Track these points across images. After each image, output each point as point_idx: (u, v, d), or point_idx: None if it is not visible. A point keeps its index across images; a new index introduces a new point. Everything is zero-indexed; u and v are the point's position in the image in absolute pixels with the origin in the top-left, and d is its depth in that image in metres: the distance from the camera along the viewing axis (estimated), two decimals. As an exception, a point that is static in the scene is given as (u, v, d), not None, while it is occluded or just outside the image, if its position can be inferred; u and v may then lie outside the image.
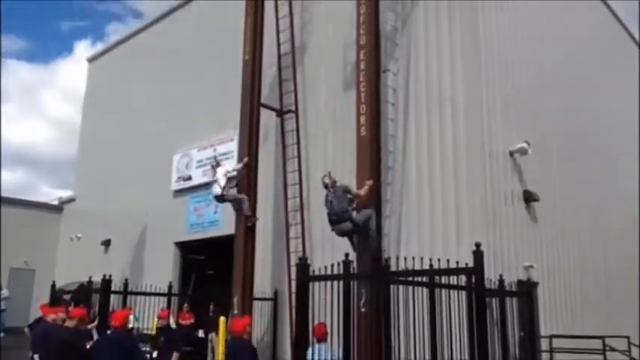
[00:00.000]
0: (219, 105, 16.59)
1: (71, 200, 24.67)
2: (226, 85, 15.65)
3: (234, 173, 12.45)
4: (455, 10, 11.89)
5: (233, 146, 15.56)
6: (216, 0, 18.40)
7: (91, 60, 25.60)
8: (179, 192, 18.11)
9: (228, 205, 14.79)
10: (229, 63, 15.30)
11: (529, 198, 12.21)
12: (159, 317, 11.89)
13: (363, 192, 10.28)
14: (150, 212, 18.89)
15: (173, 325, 12.77)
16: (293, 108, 13.98)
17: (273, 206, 14.45)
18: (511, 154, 11.95)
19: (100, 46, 67.10)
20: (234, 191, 12.41)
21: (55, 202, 26.11)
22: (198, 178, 17.26)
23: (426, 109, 11.80)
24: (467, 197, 10.90)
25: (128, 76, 22.28)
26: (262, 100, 13.79)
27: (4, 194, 24.52)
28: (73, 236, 22.92)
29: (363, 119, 11.12)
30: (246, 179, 13.07)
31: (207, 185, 16.89)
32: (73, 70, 64.52)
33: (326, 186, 10.34)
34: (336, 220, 10.09)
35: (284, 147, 13.97)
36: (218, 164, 12.83)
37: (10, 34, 73.63)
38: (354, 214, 10.19)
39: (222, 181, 12.18)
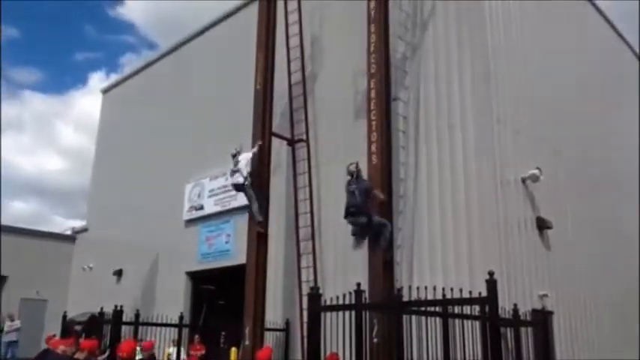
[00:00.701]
0: (231, 134, 16.66)
1: (84, 230, 24.78)
2: (238, 114, 15.76)
3: (251, 156, 12.82)
4: (464, 37, 11.97)
5: (244, 175, 15.61)
6: (228, 31, 18.72)
7: (105, 91, 25.97)
8: (191, 221, 18.15)
9: (240, 235, 14.88)
10: (241, 93, 15.45)
11: (542, 225, 12.07)
12: (142, 348, 11.42)
13: (382, 197, 10.65)
14: (162, 242, 18.93)
15: (183, 355, 12.64)
16: (304, 137, 14.04)
17: (285, 235, 14.42)
18: (523, 180, 11.85)
19: (114, 77, 68.37)
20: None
21: (68, 232, 26.24)
22: (210, 207, 17.31)
23: (436, 137, 11.81)
24: (479, 225, 10.81)
25: (141, 106, 22.54)
26: (273, 129, 13.89)
27: (17, 224, 24.79)
28: (85, 266, 22.96)
29: (374, 147, 11.17)
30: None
31: (219, 214, 17.04)
32: (86, 101, 65.49)
33: (351, 174, 10.58)
34: (354, 211, 10.33)
35: (295, 176, 14.00)
36: (239, 153, 12.91)
37: (27, 66, 75.17)
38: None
39: (245, 171, 12.53)
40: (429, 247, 11.33)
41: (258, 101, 13.52)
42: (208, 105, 18.45)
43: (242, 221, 14.92)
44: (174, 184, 18.84)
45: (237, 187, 12.82)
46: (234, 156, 12.74)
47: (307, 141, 13.99)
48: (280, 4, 14.65)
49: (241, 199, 15.73)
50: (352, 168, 10.61)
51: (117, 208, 22.00)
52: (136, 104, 23.01)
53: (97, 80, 71.53)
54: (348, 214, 10.42)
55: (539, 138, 12.88)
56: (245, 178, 12.49)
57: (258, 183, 12.89)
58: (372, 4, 11.74)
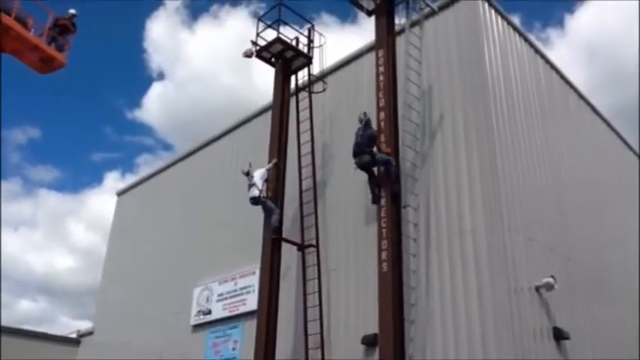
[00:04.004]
0: (240, 239, 16.72)
1: (89, 333, 24.28)
2: (249, 219, 15.85)
3: (267, 173, 13.90)
4: (472, 146, 12.19)
5: (254, 280, 15.51)
6: (241, 138, 19.24)
7: (119, 194, 26.35)
8: (198, 326, 17.75)
9: (248, 341, 14.54)
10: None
11: (559, 335, 11.71)
12: None
13: (386, 150, 11.77)
14: (168, 347, 18.41)
15: None
16: (314, 242, 14.01)
17: (294, 342, 14.06)
18: (537, 289, 11.64)
19: (128, 177, 69.85)
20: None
21: (74, 335, 25.68)
22: (218, 312, 16.99)
23: (447, 245, 11.73)
24: (494, 335, 10.48)
25: (154, 209, 22.78)
26: (284, 234, 13.96)
27: (24, 325, 24.43)
28: (88, 371, 22.28)
29: (384, 255, 11.14)
30: (266, 311, 12.95)
31: (227, 320, 16.71)
32: (100, 201, 66.36)
33: (361, 121, 12.04)
34: (358, 151, 11.71)
35: (305, 281, 13.83)
36: (251, 170, 13.98)
37: (46, 164, 77.12)
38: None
39: (260, 184, 13.53)
40: (443, 358, 10.94)
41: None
42: (219, 210, 18.61)
43: (250, 327, 14.63)
44: (183, 288, 18.63)
45: (254, 200, 13.64)
46: (246, 174, 13.89)
47: (317, 247, 13.94)
48: (292, 113, 15.18)
49: (250, 304, 15.58)
50: (362, 116, 12.07)
51: (124, 311, 21.65)
52: (149, 207, 23.26)
53: (112, 180, 72.80)
54: (354, 155, 11.78)
55: (551, 245, 12.79)
56: (260, 191, 13.44)
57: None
58: (382, 116, 12.12)
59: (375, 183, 11.95)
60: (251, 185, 13.66)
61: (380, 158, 11.67)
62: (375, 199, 11.82)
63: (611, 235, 16.23)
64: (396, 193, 11.75)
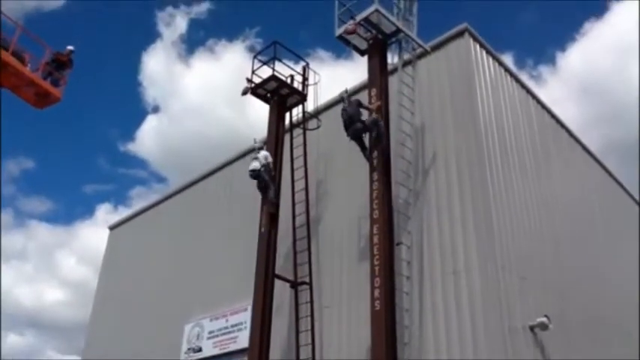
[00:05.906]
0: (233, 275, 16.57)
1: (77, 370, 23.85)
2: (241, 255, 15.78)
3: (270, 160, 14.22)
4: (465, 183, 12.24)
5: (246, 317, 15.32)
6: (234, 173, 19.25)
7: (112, 228, 26.19)
8: (188, 364, 17.48)
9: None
10: (245, 234, 15.59)
11: (555, 377, 11.63)
12: None
13: (373, 106, 12.36)
14: (157, 386, 18.10)
15: None
16: (307, 279, 13.92)
17: (286, 382, 13.85)
18: (531, 328, 11.58)
19: (121, 209, 69.49)
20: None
21: (61, 372, 25.23)
22: (209, 349, 16.72)
23: (441, 283, 11.67)
24: (489, 376, 10.38)
25: (146, 244, 22.59)
26: (276, 271, 13.87)
27: (9, 363, 23.95)
28: (74, 410, 21.78)
29: (377, 293, 11.07)
30: (258, 349, 12.77)
31: (218, 357, 16.46)
32: (91, 233, 65.90)
33: (342, 99, 12.56)
34: (349, 122, 12.13)
35: (297, 319, 13.69)
36: (262, 148, 14.51)
37: (39, 195, 76.85)
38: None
39: (263, 160, 13.92)
40: (436, 400, 10.79)
41: (262, 244, 13.67)
42: (212, 246, 18.48)
43: (241, 366, 14.43)
44: (174, 324, 18.35)
45: (254, 174, 13.89)
46: (256, 148, 14.36)
47: (310, 284, 13.84)
48: (287, 149, 15.25)
49: (241, 342, 15.37)
50: (343, 94, 12.66)
51: (114, 346, 21.24)
52: (141, 242, 23.07)
53: (105, 212, 72.32)
54: (346, 127, 12.22)
55: (545, 284, 12.76)
56: (262, 165, 13.79)
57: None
58: (375, 153, 12.19)
59: (366, 149, 12.48)
60: (254, 158, 14.04)
61: (369, 122, 12.13)
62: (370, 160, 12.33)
63: (605, 274, 16.20)
64: (387, 158, 12.28)
